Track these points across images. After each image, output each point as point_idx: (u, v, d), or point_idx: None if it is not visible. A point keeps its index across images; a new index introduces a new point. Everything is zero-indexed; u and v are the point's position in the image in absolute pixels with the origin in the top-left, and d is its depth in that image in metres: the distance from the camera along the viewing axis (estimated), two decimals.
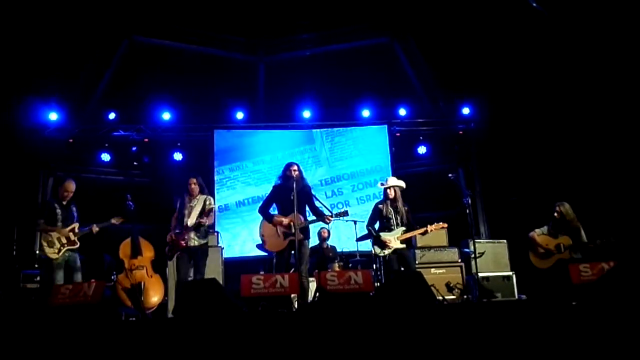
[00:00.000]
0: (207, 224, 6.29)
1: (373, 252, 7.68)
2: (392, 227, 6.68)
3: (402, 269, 6.62)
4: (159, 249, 7.65)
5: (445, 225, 6.96)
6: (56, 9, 8.83)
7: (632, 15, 7.62)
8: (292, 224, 6.15)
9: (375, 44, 11.24)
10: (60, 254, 6.30)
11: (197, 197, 6.40)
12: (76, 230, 6.46)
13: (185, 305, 5.00)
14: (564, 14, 8.54)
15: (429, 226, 6.66)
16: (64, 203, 6.58)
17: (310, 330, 4.46)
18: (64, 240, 6.36)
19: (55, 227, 6.37)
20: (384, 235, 6.66)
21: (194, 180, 6.44)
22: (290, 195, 6.14)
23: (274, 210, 6.48)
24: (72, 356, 4.26)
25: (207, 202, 6.38)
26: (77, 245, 6.43)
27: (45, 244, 6.35)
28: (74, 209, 6.64)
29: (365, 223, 7.04)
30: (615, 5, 7.84)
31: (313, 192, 6.55)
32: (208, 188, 6.89)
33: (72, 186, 6.60)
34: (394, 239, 6.61)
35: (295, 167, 6.35)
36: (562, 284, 6.05)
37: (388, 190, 6.79)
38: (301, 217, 6.21)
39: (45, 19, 8.79)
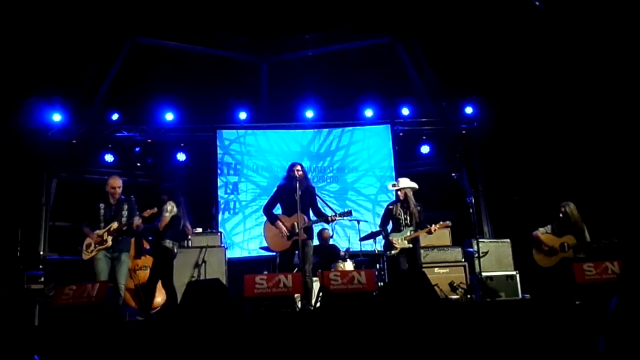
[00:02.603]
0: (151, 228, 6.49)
1: (377, 251, 7.70)
2: (402, 228, 6.71)
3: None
4: None
5: (449, 223, 6.96)
6: (59, 10, 8.86)
7: (634, 15, 7.59)
8: (295, 224, 6.16)
9: (378, 44, 11.24)
10: (92, 254, 6.17)
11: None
12: (112, 229, 6.19)
13: (189, 306, 5.01)
14: (568, 14, 8.52)
15: (433, 225, 6.66)
16: (112, 202, 6.35)
17: (313, 329, 4.46)
18: (96, 242, 6.23)
19: (91, 232, 6.23)
20: (392, 236, 6.69)
21: (163, 192, 6.71)
22: (293, 196, 6.15)
23: (278, 210, 6.49)
24: (75, 356, 4.27)
25: (162, 209, 6.47)
26: (107, 245, 6.14)
27: (84, 247, 6.28)
28: (126, 206, 6.35)
29: (378, 223, 7.08)
30: (618, 5, 7.82)
31: (317, 193, 6.56)
32: (203, 192, 6.89)
33: (114, 182, 6.36)
34: (400, 240, 6.63)
35: (299, 167, 6.36)
36: (566, 284, 6.05)
37: (398, 192, 6.82)
38: (305, 217, 6.21)
39: (48, 20, 8.82)
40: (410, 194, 6.77)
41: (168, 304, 6.44)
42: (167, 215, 6.35)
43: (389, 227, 6.87)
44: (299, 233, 6.08)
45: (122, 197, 6.43)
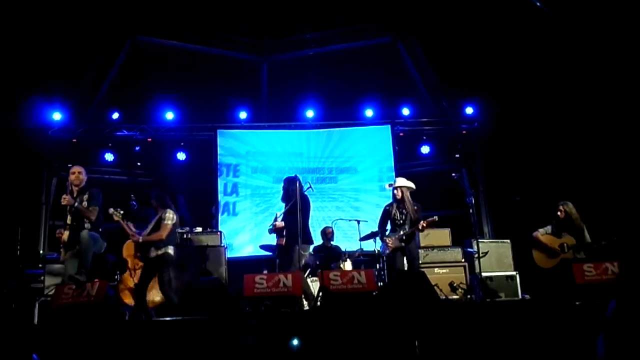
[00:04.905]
0: (155, 239, 6.11)
1: (376, 251, 7.70)
2: (397, 228, 6.69)
3: (406, 263, 6.63)
4: None
5: (436, 218, 6.81)
6: (60, 9, 8.86)
7: (635, 15, 7.59)
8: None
9: (379, 44, 11.24)
10: (62, 256, 5.91)
11: (159, 213, 6.29)
12: (67, 224, 5.72)
13: (189, 305, 5.01)
14: (568, 14, 8.52)
15: (421, 223, 6.59)
16: (75, 194, 5.87)
17: (313, 329, 4.46)
18: (57, 237, 5.94)
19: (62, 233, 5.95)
20: (387, 237, 6.70)
21: (153, 198, 6.39)
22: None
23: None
24: (75, 356, 4.27)
25: (163, 217, 6.21)
26: (64, 241, 5.73)
27: None
28: (85, 196, 5.71)
29: (377, 224, 7.06)
30: (619, 6, 7.82)
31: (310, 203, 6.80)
32: (203, 192, 6.80)
33: (73, 168, 5.97)
34: (394, 239, 6.62)
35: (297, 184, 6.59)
36: (565, 284, 6.04)
37: (395, 191, 6.80)
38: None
39: (49, 19, 8.82)
40: (407, 193, 6.75)
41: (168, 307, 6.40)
42: (170, 224, 6.23)
43: (388, 227, 6.87)
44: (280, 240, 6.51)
45: (85, 186, 5.97)
